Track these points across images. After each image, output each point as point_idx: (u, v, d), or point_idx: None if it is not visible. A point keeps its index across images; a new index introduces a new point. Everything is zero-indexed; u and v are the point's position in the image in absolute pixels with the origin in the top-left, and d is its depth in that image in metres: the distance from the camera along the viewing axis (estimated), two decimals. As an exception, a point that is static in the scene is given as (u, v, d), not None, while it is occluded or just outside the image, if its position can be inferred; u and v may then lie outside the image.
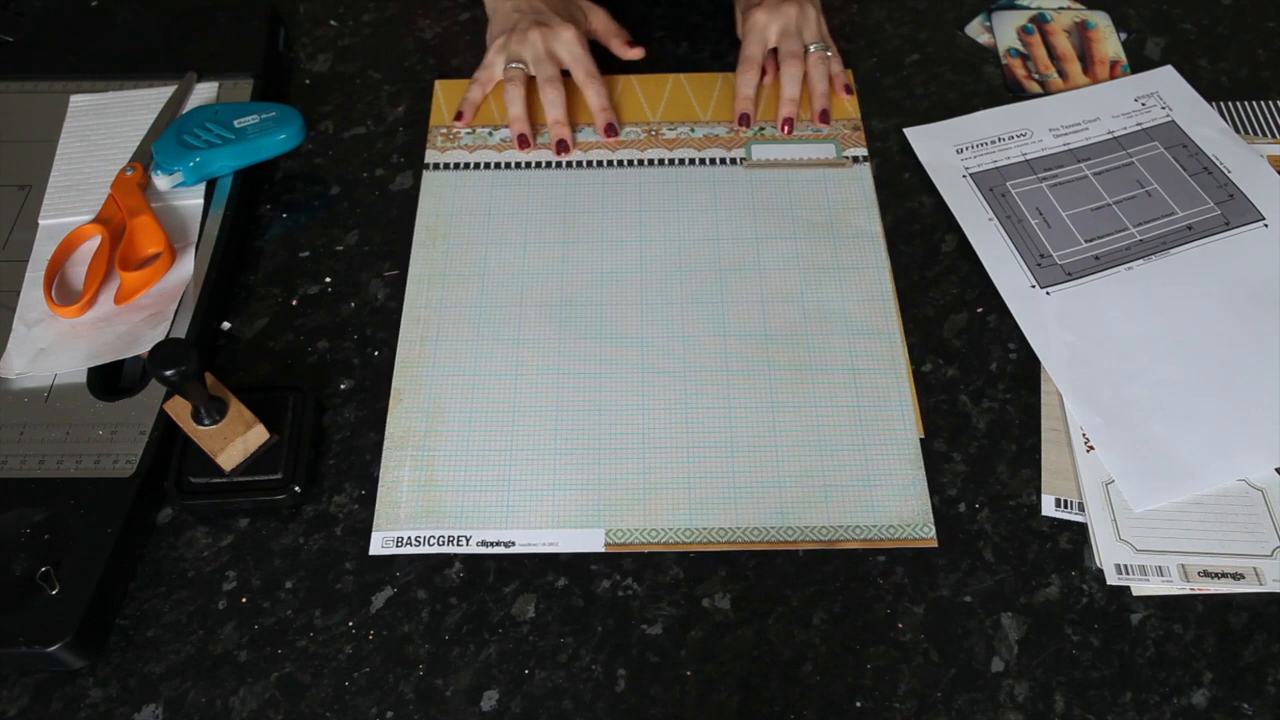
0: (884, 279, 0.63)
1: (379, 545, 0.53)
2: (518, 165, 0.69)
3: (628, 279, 0.64)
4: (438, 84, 0.74)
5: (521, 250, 0.65)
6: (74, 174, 0.65)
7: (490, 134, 0.71)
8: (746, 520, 0.54)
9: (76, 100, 0.69)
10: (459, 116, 0.71)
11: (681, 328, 0.61)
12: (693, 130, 0.71)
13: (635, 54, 0.74)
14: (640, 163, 0.69)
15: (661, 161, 0.70)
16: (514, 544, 0.53)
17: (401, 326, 0.61)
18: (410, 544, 0.53)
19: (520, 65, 0.70)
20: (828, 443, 0.57)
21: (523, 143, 0.69)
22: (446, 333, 0.61)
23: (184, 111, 0.68)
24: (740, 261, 0.64)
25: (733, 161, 0.69)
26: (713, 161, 0.70)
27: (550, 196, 0.68)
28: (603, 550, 0.53)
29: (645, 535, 0.54)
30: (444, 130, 0.71)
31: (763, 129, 0.71)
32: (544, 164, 0.69)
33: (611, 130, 0.70)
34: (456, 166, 0.69)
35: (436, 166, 0.69)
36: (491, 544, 0.53)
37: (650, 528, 0.54)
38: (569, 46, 0.70)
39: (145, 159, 0.65)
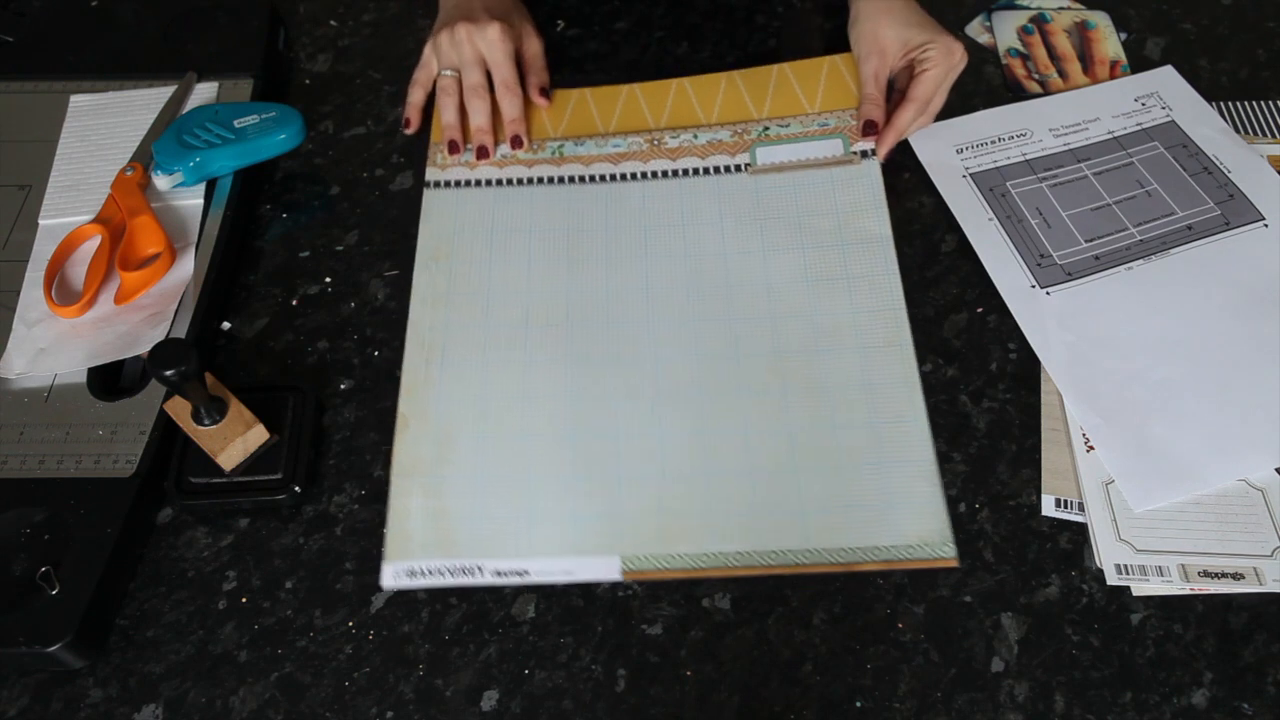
0: (894, 286, 0.62)
1: (391, 578, 0.52)
2: (520, 181, 0.68)
3: (635, 297, 0.62)
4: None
5: (526, 269, 0.63)
6: (74, 174, 0.65)
7: None
8: (765, 543, 0.53)
9: (76, 100, 0.69)
10: (407, 124, 0.71)
11: (693, 346, 0.60)
12: (696, 137, 0.70)
13: (541, 103, 0.72)
14: (643, 175, 0.68)
15: (665, 173, 0.68)
16: (528, 573, 0.52)
17: (406, 350, 0.60)
18: (423, 575, 0.52)
19: (452, 72, 0.69)
20: (845, 462, 0.55)
21: (480, 154, 0.69)
22: (453, 356, 0.60)
23: (184, 111, 0.68)
24: (748, 276, 0.63)
25: (738, 168, 0.68)
26: (717, 170, 0.68)
27: (553, 213, 0.66)
28: (620, 579, 0.52)
29: (663, 561, 0.52)
30: (444, 146, 0.69)
31: (767, 129, 0.70)
32: (546, 180, 0.68)
33: (518, 142, 0.69)
34: (458, 184, 0.68)
35: (438, 184, 0.68)
36: (505, 573, 0.52)
37: (668, 553, 0.52)
38: (492, 47, 0.68)
39: (145, 159, 0.65)
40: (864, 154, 0.68)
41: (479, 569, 0.52)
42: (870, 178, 0.67)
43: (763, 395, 0.58)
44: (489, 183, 0.68)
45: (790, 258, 0.64)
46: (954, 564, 0.52)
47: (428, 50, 0.71)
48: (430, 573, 0.52)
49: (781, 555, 0.52)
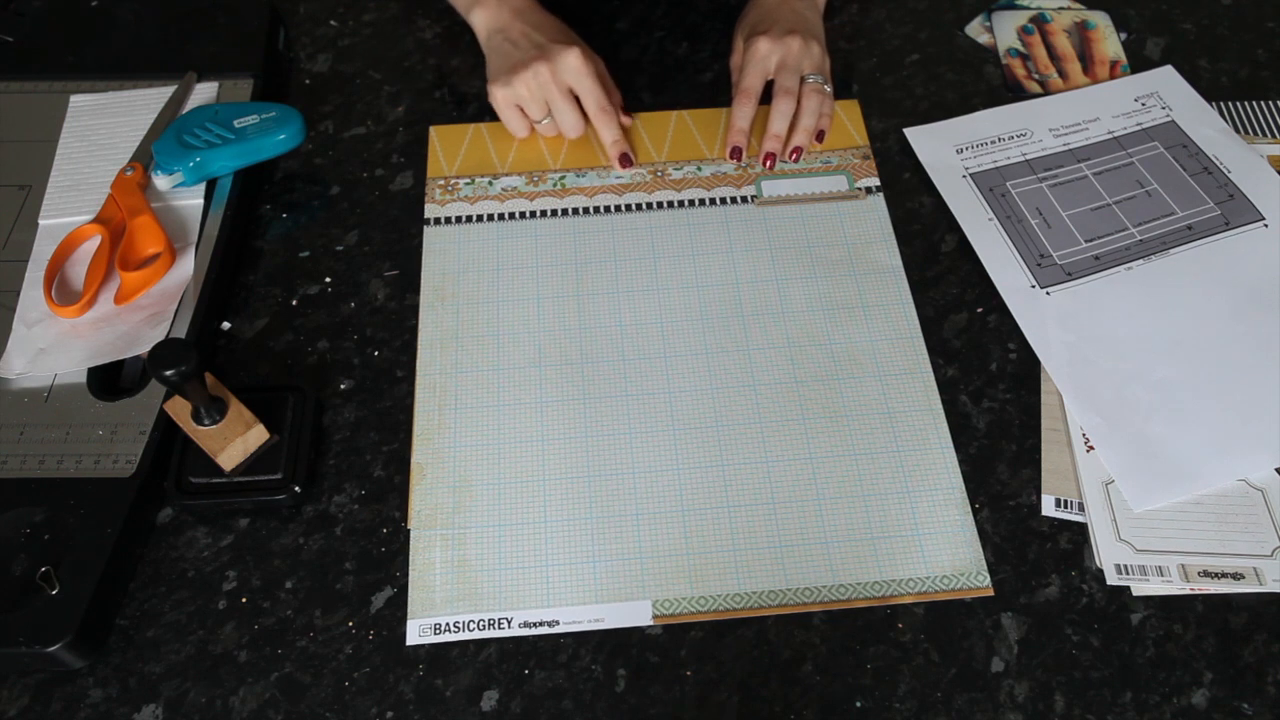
0: (910, 315, 0.62)
1: (416, 634, 0.51)
2: (522, 215, 0.67)
3: (648, 331, 0.61)
4: (433, 130, 0.71)
5: (535, 306, 0.62)
6: (74, 174, 0.65)
7: (490, 183, 0.68)
8: (796, 580, 0.52)
9: (76, 100, 0.69)
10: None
11: (709, 379, 0.59)
12: (700, 169, 0.69)
13: (628, 122, 0.71)
14: (649, 206, 0.67)
15: (671, 204, 0.67)
16: (558, 623, 0.51)
17: (417, 395, 0.59)
18: (449, 630, 0.51)
19: (548, 120, 0.68)
20: (871, 492, 0.55)
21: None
22: (466, 399, 0.58)
23: (184, 111, 0.68)
24: (762, 305, 0.62)
25: (744, 200, 0.67)
26: (723, 201, 0.67)
27: (559, 246, 0.65)
28: (651, 624, 0.51)
29: (694, 604, 0.51)
30: (441, 182, 0.68)
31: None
32: (549, 212, 0.67)
33: (627, 160, 0.68)
34: (458, 220, 0.66)
35: (437, 221, 0.66)
36: (534, 624, 0.51)
37: (699, 595, 0.52)
38: (580, 76, 0.66)
39: (145, 159, 0.65)
40: (869, 190, 0.68)
41: (507, 621, 0.51)
42: (877, 212, 0.67)
43: (782, 424, 0.57)
44: (490, 218, 0.67)
45: (804, 285, 0.63)
46: (990, 593, 0.52)
47: (501, 96, 0.68)
48: (457, 627, 0.51)
49: (815, 592, 0.52)
